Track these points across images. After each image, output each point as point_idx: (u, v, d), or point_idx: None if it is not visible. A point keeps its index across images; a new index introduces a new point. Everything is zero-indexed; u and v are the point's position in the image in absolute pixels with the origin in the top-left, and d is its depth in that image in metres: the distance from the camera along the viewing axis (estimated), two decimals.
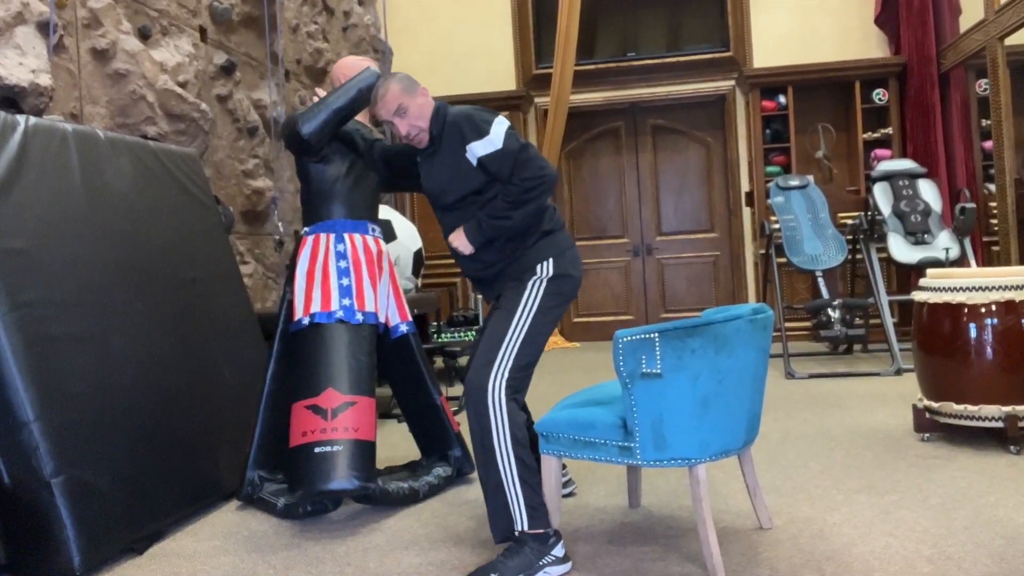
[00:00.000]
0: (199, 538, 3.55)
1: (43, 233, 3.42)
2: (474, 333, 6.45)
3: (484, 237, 3.12)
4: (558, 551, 2.91)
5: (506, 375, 2.95)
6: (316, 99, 3.77)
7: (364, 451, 3.55)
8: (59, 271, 3.43)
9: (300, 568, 3.14)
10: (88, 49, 4.60)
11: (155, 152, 4.35)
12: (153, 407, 3.69)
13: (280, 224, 6.47)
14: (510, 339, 3.01)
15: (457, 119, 3.13)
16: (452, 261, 9.04)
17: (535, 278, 3.10)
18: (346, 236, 3.85)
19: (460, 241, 3.16)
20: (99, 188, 3.83)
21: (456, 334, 6.39)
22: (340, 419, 3.55)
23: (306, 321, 3.74)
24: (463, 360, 6.74)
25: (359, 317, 3.75)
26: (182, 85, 5.31)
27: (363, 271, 3.83)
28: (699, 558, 2.97)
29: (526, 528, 2.90)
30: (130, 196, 4.02)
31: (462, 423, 4.20)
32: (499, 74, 9.46)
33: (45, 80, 4.13)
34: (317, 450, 3.50)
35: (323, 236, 3.84)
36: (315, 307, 3.74)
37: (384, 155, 3.79)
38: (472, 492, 3.91)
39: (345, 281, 3.77)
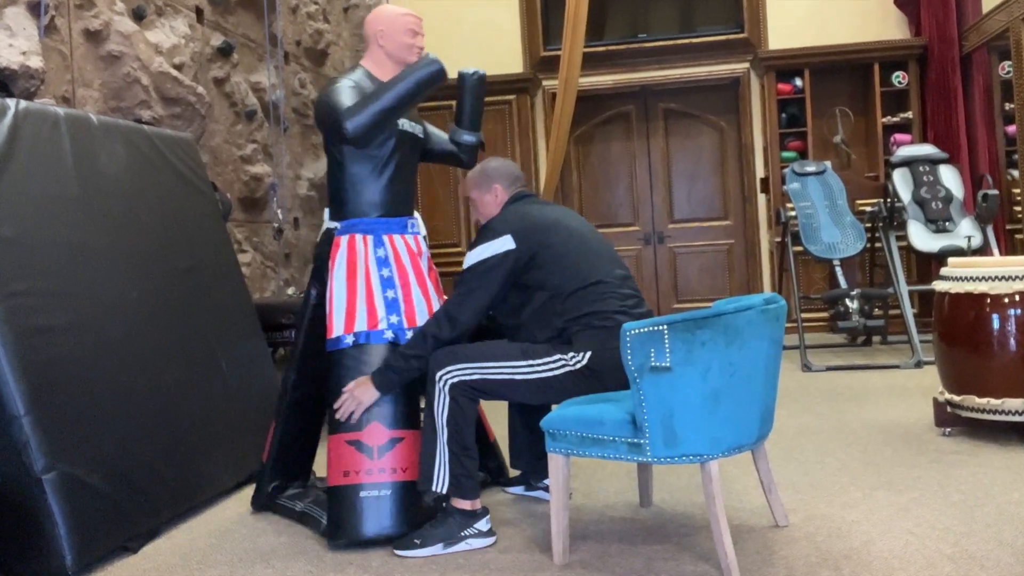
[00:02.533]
0: (195, 536, 3.54)
1: (34, 220, 3.41)
2: None
3: (387, 384, 3.33)
4: (482, 525, 3.21)
5: (463, 382, 3.18)
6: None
7: (411, 494, 3.37)
8: (50, 260, 3.42)
9: (300, 567, 3.13)
10: (80, 30, 4.59)
11: (150, 137, 4.34)
12: (148, 400, 3.68)
13: (279, 211, 6.46)
14: (499, 370, 3.19)
15: (484, 224, 3.42)
16: (457, 250, 9.06)
17: (562, 359, 3.17)
18: (386, 239, 3.55)
19: (361, 390, 3.35)
20: (92, 174, 3.81)
21: None
22: (386, 459, 3.34)
23: (349, 340, 3.44)
24: None
25: (409, 336, 3.45)
26: (178, 68, 5.29)
27: (410, 279, 3.54)
28: (712, 557, 2.96)
29: (443, 490, 3.17)
30: (124, 182, 4.00)
31: (495, 432, 4.16)
32: (506, 56, 9.42)
33: (36, 62, 4.11)
34: (363, 494, 3.29)
35: (359, 238, 3.53)
36: (360, 325, 3.45)
37: (424, 131, 3.87)
38: (495, 496, 3.86)
39: (391, 294, 3.49)
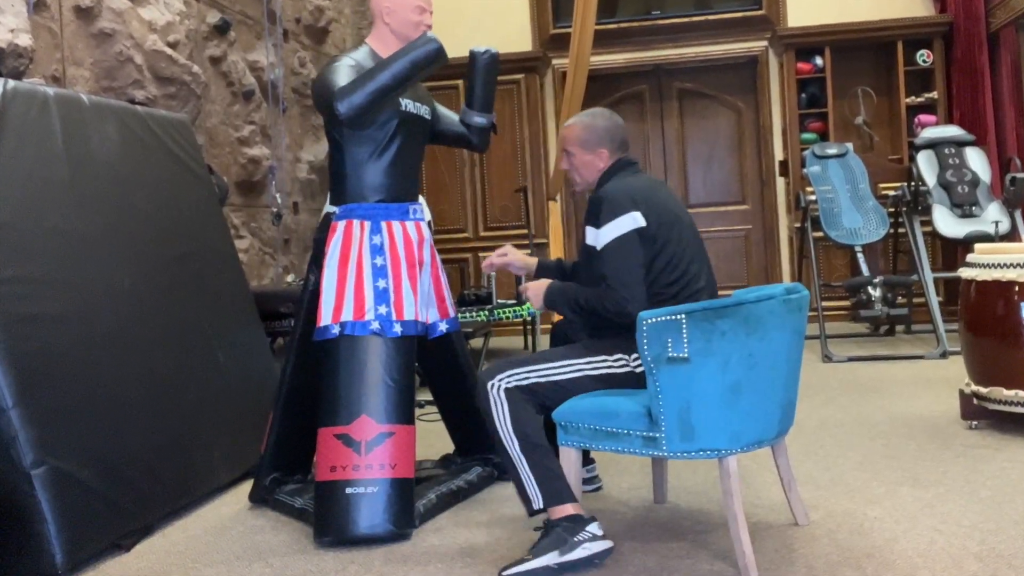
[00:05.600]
0: (191, 533, 3.53)
1: (22, 205, 3.40)
2: (486, 313, 6.41)
3: (554, 307, 3.27)
4: (594, 528, 2.91)
5: (517, 387, 3.05)
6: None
7: (402, 491, 3.33)
8: (40, 246, 3.41)
9: (300, 566, 3.12)
10: (71, 7, 4.57)
11: (143, 118, 4.32)
12: (141, 392, 3.68)
13: (278, 196, 6.45)
14: (552, 371, 3.09)
15: (597, 195, 3.20)
16: (463, 236, 9.04)
17: (624, 359, 3.11)
18: (383, 225, 3.56)
19: (534, 292, 3.31)
20: (83, 156, 3.80)
21: (467, 314, 6.35)
22: (375, 454, 3.31)
23: (336, 330, 3.47)
24: (475, 342, 6.71)
25: (397, 329, 3.47)
26: (172, 46, 5.27)
27: (402, 269, 3.55)
28: (730, 555, 2.93)
29: (542, 506, 2.95)
30: (116, 165, 3.99)
31: None
32: (514, 34, 9.38)
33: (25, 40, 4.10)
34: (348, 491, 3.27)
35: (356, 224, 3.55)
36: (346, 314, 3.46)
37: (433, 112, 3.82)
38: (497, 491, 3.85)
39: (382, 283, 3.50)
